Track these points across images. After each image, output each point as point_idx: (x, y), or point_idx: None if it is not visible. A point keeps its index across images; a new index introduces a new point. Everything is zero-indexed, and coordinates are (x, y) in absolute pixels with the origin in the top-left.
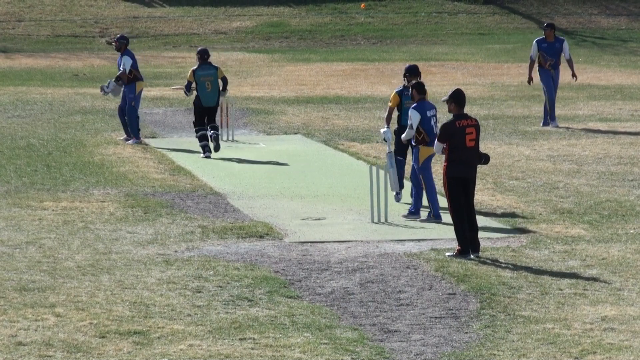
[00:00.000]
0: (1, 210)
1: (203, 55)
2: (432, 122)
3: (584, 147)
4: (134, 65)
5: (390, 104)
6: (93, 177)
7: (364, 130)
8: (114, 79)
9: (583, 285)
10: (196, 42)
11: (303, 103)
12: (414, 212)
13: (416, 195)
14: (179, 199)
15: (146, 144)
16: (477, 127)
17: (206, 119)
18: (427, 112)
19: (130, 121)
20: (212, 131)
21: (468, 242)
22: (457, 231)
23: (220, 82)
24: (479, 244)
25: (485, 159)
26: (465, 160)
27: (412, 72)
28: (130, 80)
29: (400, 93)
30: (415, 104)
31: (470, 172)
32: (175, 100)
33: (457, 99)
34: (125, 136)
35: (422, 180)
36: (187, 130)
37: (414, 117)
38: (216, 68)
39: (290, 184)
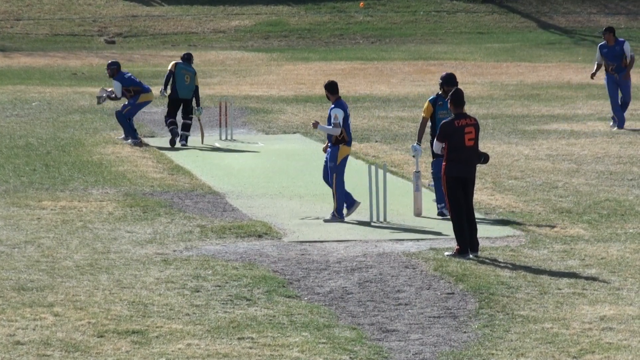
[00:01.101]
0: (0, 209)
1: (183, 56)
2: (349, 121)
3: (583, 147)
4: (128, 83)
5: (423, 114)
6: (92, 177)
7: (363, 130)
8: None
9: (582, 285)
10: (195, 41)
11: (302, 102)
12: (349, 207)
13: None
14: (177, 198)
15: (146, 144)
16: (476, 127)
17: (181, 111)
18: (346, 111)
19: (122, 124)
20: (182, 131)
21: (467, 242)
22: (456, 231)
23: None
24: (477, 244)
25: (484, 158)
26: (464, 160)
27: (449, 82)
28: (133, 95)
29: (433, 102)
30: (335, 103)
31: (469, 172)
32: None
33: (455, 98)
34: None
35: (334, 179)
36: None
37: (339, 115)
38: (195, 71)
39: (289, 183)
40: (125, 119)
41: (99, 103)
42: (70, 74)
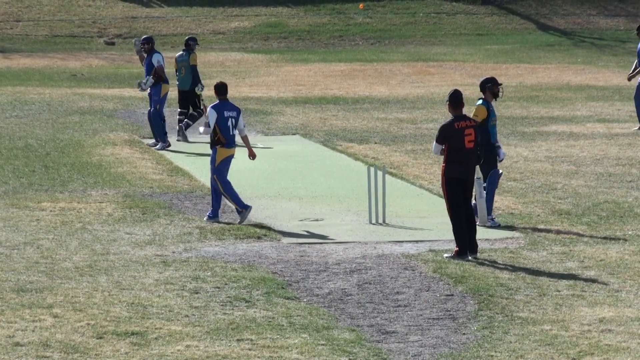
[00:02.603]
0: None
1: (185, 42)
2: (229, 123)
3: (582, 148)
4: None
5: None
6: (91, 178)
7: (362, 131)
8: (151, 76)
9: (581, 287)
10: None
11: (301, 103)
12: (212, 217)
13: (215, 199)
14: (177, 199)
15: (170, 148)
16: (476, 128)
17: (189, 104)
18: (225, 113)
19: (155, 125)
20: (185, 120)
21: (466, 244)
22: (456, 232)
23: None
24: (476, 245)
25: (483, 159)
26: (464, 161)
27: (494, 82)
28: (155, 82)
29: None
30: (214, 104)
31: (469, 173)
32: (174, 101)
33: (454, 100)
34: (153, 141)
35: (217, 181)
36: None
37: (211, 116)
38: (189, 54)
39: (288, 184)
40: (159, 119)
41: (142, 89)
42: (69, 75)
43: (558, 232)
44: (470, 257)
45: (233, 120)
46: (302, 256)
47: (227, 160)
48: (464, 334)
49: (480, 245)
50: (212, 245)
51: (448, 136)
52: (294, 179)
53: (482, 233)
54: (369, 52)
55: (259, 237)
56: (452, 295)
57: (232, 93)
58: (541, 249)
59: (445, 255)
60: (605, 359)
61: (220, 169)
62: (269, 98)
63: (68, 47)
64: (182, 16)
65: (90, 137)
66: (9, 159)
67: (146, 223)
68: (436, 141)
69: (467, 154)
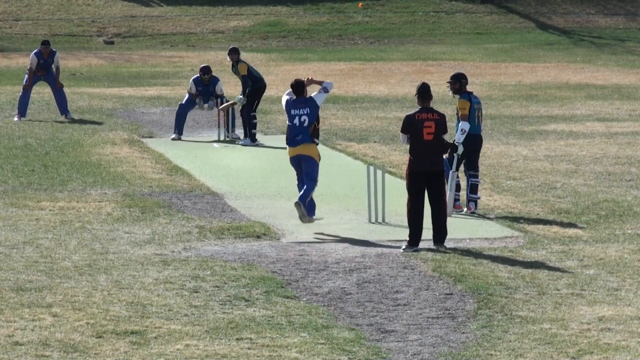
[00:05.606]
0: None
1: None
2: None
3: (582, 147)
4: None
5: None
6: (90, 177)
7: (362, 130)
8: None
9: (580, 286)
10: (193, 42)
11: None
12: None
13: None
14: (176, 199)
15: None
16: (437, 122)
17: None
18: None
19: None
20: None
21: (419, 236)
22: (409, 223)
23: None
24: (445, 234)
25: (451, 148)
26: (423, 154)
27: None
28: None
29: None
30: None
31: (430, 166)
32: (173, 100)
33: (420, 92)
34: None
35: None
36: (185, 129)
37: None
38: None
39: (288, 183)
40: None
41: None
42: (69, 75)
43: (557, 230)
44: (439, 248)
45: None
46: (301, 255)
47: None
48: (463, 332)
49: (480, 244)
50: (212, 244)
51: (408, 126)
52: (293, 178)
53: (483, 232)
54: (368, 51)
55: (258, 237)
56: (452, 294)
57: (231, 92)
58: (540, 248)
59: (402, 247)
60: (604, 357)
61: None
62: (268, 97)
63: (67, 46)
64: (182, 15)
65: (90, 136)
66: (8, 158)
67: (145, 222)
68: (401, 130)
69: (425, 146)
